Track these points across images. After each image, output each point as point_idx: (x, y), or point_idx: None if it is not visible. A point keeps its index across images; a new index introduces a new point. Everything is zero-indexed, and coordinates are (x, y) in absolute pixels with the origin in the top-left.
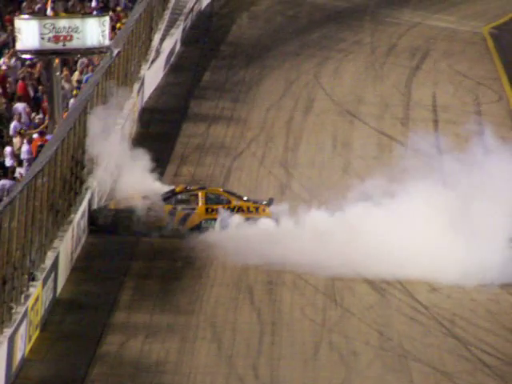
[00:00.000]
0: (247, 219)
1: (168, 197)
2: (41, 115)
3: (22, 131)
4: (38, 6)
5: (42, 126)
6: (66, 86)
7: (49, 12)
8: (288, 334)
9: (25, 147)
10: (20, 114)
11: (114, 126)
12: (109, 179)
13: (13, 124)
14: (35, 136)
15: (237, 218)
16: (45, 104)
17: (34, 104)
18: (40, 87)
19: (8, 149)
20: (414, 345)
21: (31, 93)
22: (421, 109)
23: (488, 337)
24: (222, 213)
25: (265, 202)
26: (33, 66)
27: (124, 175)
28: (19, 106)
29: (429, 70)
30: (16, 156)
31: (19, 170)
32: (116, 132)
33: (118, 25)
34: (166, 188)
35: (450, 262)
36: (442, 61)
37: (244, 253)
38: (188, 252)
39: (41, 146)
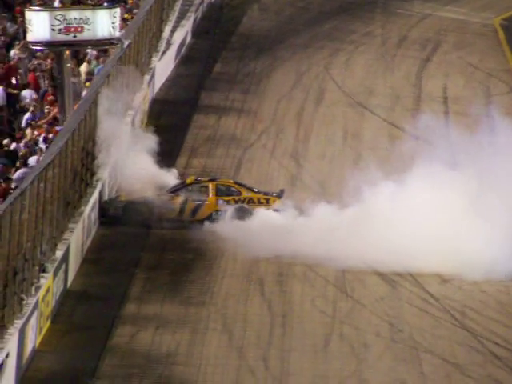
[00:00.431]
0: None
1: (178, 188)
2: (48, 106)
3: (34, 123)
4: None
5: (48, 117)
6: (73, 78)
7: (57, 4)
8: (298, 325)
9: (42, 136)
10: (31, 105)
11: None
12: (119, 170)
13: (25, 116)
14: (44, 126)
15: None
16: (50, 97)
17: (42, 96)
18: (46, 81)
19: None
20: (424, 336)
21: (42, 84)
22: (432, 100)
23: (499, 328)
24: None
25: (275, 194)
26: (44, 57)
27: (134, 166)
28: (27, 94)
29: (439, 62)
30: (28, 147)
31: (32, 159)
32: (126, 121)
33: (127, 15)
34: (176, 180)
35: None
36: (452, 52)
37: (252, 244)
38: (198, 243)
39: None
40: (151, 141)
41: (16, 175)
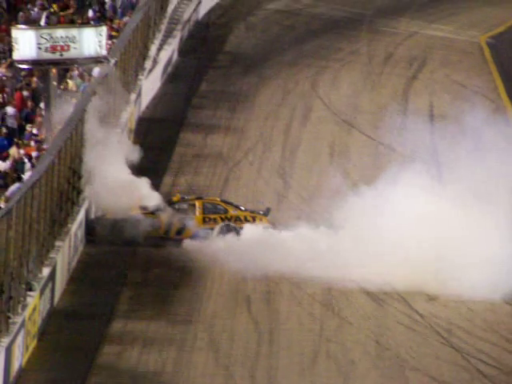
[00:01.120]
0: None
1: (165, 206)
2: (34, 129)
3: (20, 142)
4: (34, 12)
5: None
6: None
7: (43, 23)
8: (285, 343)
9: (35, 153)
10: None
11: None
12: (105, 189)
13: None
14: (32, 144)
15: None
16: (38, 119)
17: (26, 117)
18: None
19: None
20: (411, 354)
21: (29, 103)
22: (418, 117)
23: (485, 346)
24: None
25: (262, 212)
26: (30, 75)
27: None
28: (10, 110)
29: (426, 80)
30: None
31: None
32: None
33: (114, 33)
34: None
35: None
36: (438, 70)
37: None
38: (185, 261)
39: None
40: (131, 151)
41: (10, 191)
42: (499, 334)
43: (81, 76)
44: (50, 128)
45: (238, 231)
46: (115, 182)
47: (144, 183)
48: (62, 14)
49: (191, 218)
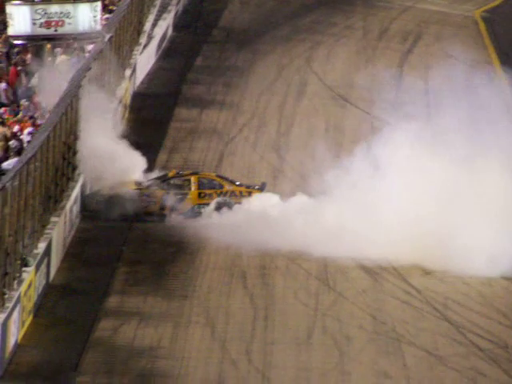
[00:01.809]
0: (240, 203)
1: (160, 181)
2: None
3: (7, 120)
4: None
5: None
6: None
7: None
8: (281, 318)
9: (28, 130)
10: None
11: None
12: (99, 164)
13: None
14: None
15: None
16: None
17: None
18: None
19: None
20: (407, 329)
21: (24, 80)
22: (413, 92)
23: (481, 320)
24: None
25: (257, 187)
26: (24, 51)
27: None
28: (2, 85)
29: (421, 54)
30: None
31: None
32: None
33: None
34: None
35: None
36: (433, 44)
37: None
38: (180, 237)
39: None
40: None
41: (7, 164)
42: (495, 308)
43: (65, 52)
44: (41, 102)
45: (232, 206)
46: (102, 153)
47: (128, 152)
48: None
49: (186, 193)
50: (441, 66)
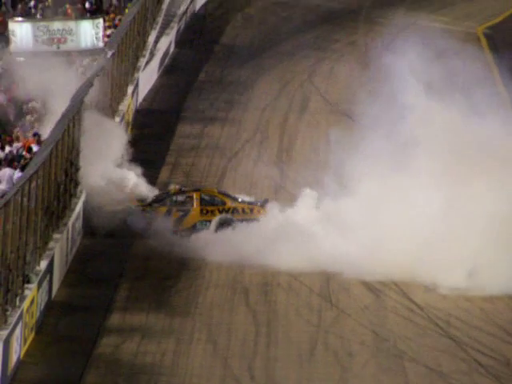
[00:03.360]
0: (242, 220)
1: (163, 198)
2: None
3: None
4: (31, 4)
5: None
6: None
7: (39, 16)
8: (283, 335)
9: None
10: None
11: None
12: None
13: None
14: (29, 137)
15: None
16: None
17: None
18: None
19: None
20: (409, 345)
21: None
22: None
23: (483, 337)
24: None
25: (259, 203)
26: None
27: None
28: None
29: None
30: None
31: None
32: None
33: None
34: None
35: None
36: (435, 60)
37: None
38: (183, 253)
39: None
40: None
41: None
42: (497, 325)
43: None
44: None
45: (234, 223)
46: (105, 176)
47: (132, 176)
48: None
49: (189, 210)
50: (443, 81)
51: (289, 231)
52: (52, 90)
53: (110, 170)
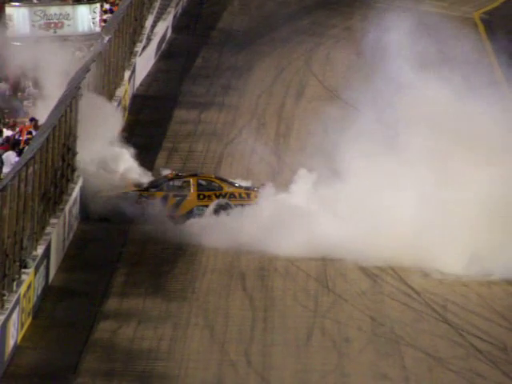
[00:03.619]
0: (239, 205)
1: (160, 183)
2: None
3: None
4: None
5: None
6: None
7: (35, 0)
8: (280, 320)
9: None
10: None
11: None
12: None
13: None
14: (26, 122)
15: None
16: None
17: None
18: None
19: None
20: (406, 330)
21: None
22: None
23: (480, 322)
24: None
25: (256, 188)
26: None
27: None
28: (2, 86)
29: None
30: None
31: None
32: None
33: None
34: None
35: None
36: (432, 46)
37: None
38: (180, 238)
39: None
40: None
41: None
42: (494, 310)
43: None
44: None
45: (231, 208)
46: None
47: (126, 155)
48: None
49: (186, 195)
50: (440, 68)
51: (284, 216)
52: (47, 73)
53: (104, 149)
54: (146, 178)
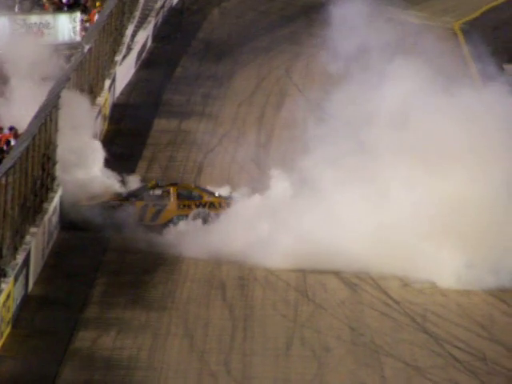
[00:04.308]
0: (218, 215)
1: (140, 192)
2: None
3: None
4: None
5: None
6: None
7: (17, 9)
8: (260, 329)
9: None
10: None
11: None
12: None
13: None
14: (5, 131)
15: None
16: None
17: None
18: None
19: None
20: (385, 340)
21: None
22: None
23: (459, 332)
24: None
25: (235, 198)
26: None
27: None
28: None
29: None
30: None
31: None
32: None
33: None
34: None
35: None
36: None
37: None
38: (160, 247)
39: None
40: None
41: None
42: (473, 320)
43: None
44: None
45: (211, 217)
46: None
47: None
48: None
49: (166, 204)
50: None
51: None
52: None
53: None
54: (125, 186)
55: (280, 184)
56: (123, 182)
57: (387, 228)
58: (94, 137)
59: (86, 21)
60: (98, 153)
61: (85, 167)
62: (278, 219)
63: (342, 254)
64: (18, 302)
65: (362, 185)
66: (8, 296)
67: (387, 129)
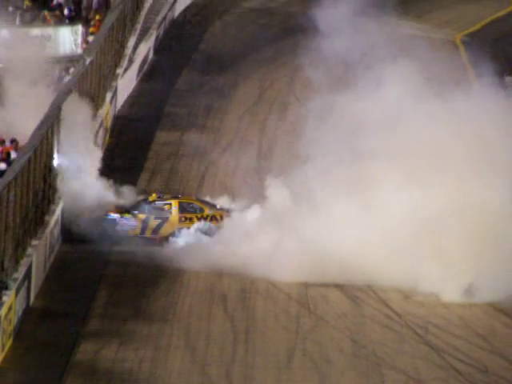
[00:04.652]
0: (220, 227)
1: (141, 205)
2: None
3: None
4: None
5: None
6: None
7: (18, 22)
8: (262, 342)
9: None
10: None
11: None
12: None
13: None
14: (7, 144)
15: None
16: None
17: None
18: None
19: None
20: (387, 352)
21: None
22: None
23: (461, 344)
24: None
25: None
26: None
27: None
28: None
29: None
30: None
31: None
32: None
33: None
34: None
35: None
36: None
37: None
38: (161, 260)
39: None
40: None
41: None
42: (475, 332)
43: None
44: None
45: (213, 230)
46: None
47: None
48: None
49: (167, 217)
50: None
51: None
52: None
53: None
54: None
55: (278, 193)
56: (118, 193)
57: (386, 237)
58: (95, 148)
59: (92, 33)
60: (95, 161)
61: (81, 177)
62: (278, 230)
63: (345, 265)
64: (20, 314)
65: (362, 195)
66: (9, 308)
67: (386, 135)
